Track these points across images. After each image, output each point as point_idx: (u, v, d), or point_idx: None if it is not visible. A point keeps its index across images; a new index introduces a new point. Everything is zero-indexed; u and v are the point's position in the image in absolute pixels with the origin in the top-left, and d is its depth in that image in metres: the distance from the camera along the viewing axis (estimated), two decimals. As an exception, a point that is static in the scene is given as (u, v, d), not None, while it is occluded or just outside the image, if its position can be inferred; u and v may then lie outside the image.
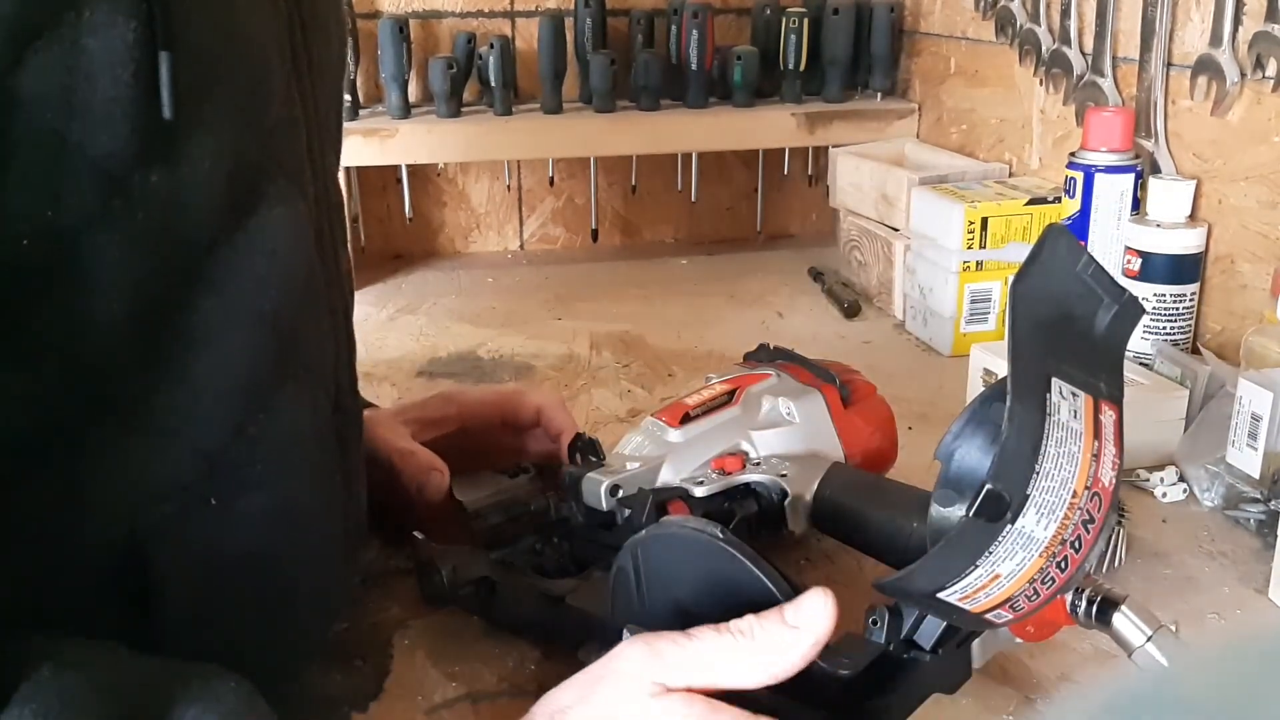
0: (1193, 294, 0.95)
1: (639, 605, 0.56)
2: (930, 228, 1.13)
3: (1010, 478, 0.45)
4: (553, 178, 1.49)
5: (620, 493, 0.66)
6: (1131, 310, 0.50)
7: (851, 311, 1.24)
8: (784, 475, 0.67)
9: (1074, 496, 0.46)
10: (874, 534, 0.62)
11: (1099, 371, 0.49)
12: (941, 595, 0.47)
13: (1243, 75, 0.90)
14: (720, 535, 0.53)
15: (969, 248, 1.09)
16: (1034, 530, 0.45)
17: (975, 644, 0.54)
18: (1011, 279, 0.48)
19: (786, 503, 0.66)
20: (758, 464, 0.69)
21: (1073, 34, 1.11)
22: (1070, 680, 0.61)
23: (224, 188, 0.44)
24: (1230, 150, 0.93)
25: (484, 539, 0.69)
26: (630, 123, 1.38)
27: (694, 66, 1.38)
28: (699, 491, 0.66)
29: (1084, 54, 1.10)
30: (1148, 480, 0.82)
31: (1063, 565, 0.47)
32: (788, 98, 1.43)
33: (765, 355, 0.78)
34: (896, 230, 1.23)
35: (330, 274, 0.54)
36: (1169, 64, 0.98)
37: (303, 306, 0.50)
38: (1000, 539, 0.45)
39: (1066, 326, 0.49)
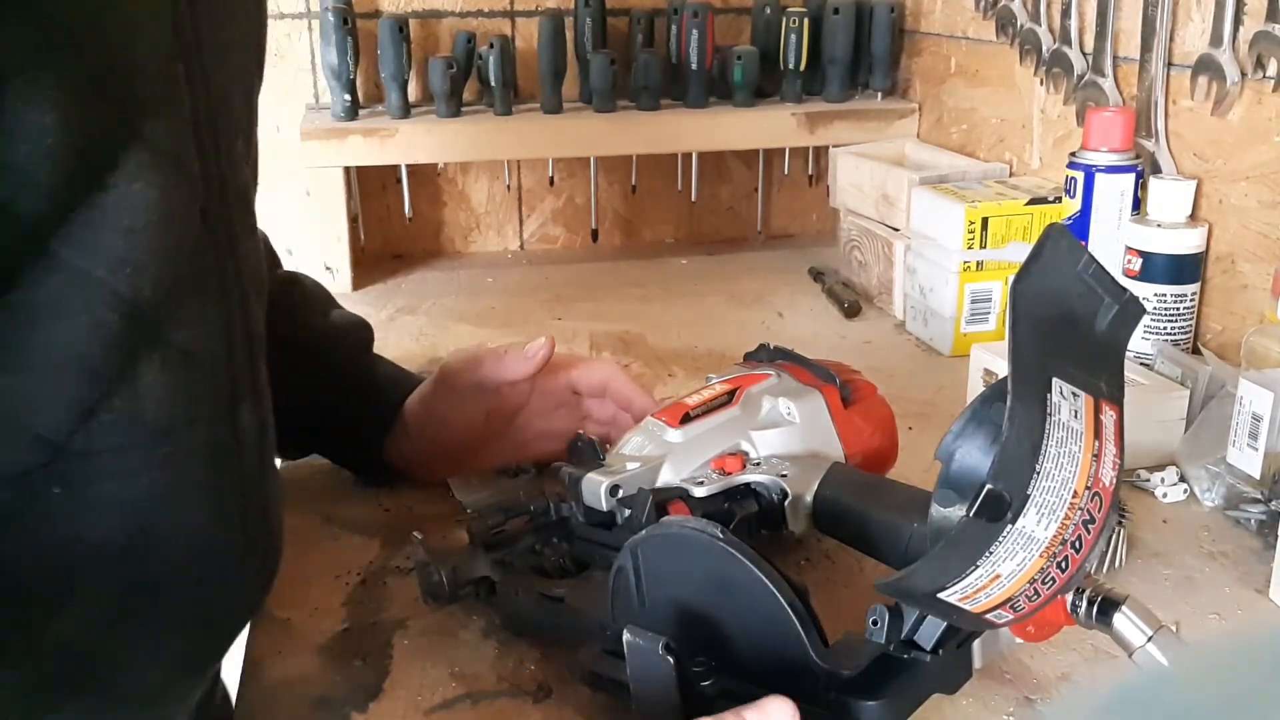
0: (1193, 294, 0.94)
1: (639, 606, 0.55)
2: (931, 228, 1.13)
3: (1011, 478, 0.45)
4: (553, 177, 1.49)
5: (620, 493, 0.66)
6: (1132, 310, 0.50)
7: (852, 311, 1.24)
8: (784, 475, 0.67)
9: (1074, 497, 0.46)
10: (874, 534, 0.62)
11: (1100, 371, 0.49)
12: (942, 595, 0.47)
13: (1243, 75, 0.90)
14: (720, 535, 0.53)
15: (969, 247, 1.09)
16: (1034, 530, 0.45)
17: (975, 644, 0.54)
18: (1012, 279, 0.48)
19: (787, 503, 0.66)
20: (758, 464, 0.69)
21: (1073, 34, 1.11)
22: (1070, 680, 0.60)
23: (70, 163, 0.42)
24: (1230, 150, 0.93)
25: (484, 539, 0.68)
26: (630, 123, 1.38)
27: (694, 66, 1.38)
28: (699, 491, 0.66)
29: (1084, 54, 1.10)
30: (1148, 480, 0.82)
31: (1063, 565, 0.46)
32: (788, 97, 1.43)
33: (765, 355, 0.78)
34: (897, 230, 1.23)
35: (222, 257, 0.51)
36: (1170, 64, 0.98)
37: (175, 288, 0.47)
38: (1001, 539, 0.45)
39: (1067, 327, 0.49)
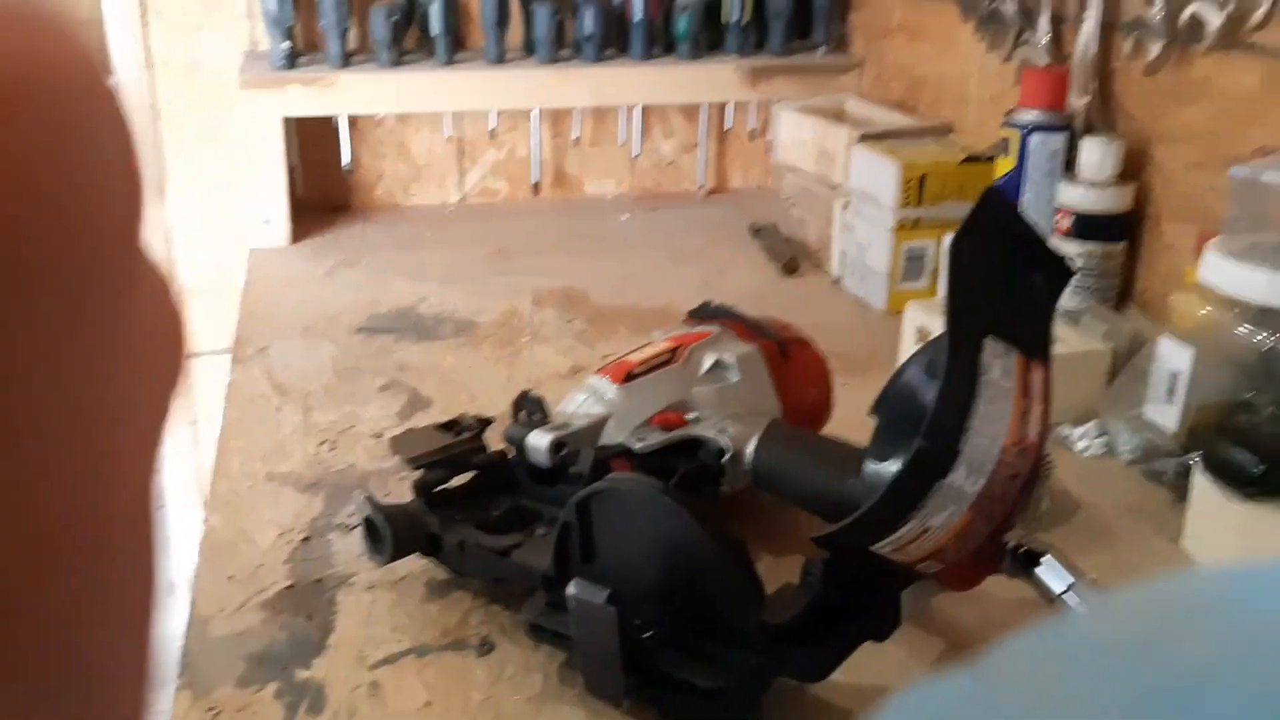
0: (1121, 252, 0.97)
1: (582, 560, 0.57)
2: (868, 184, 1.15)
3: (942, 434, 0.46)
4: (494, 129, 1.48)
5: (564, 449, 0.67)
6: (1062, 272, 0.52)
7: (790, 268, 1.25)
8: (724, 431, 0.69)
9: (1003, 453, 0.47)
10: (810, 490, 0.64)
11: (1030, 331, 0.50)
12: (874, 548, 0.49)
13: (1174, 38, 0.92)
14: (662, 490, 0.54)
15: (905, 205, 1.10)
16: (964, 485, 0.47)
17: (904, 594, 0.56)
18: (949, 238, 0.49)
19: (726, 459, 0.68)
20: (699, 420, 0.70)
21: (1011, -7, 1.12)
22: (993, 627, 0.63)
23: None
24: (1160, 111, 0.96)
25: (428, 495, 0.69)
26: (574, 74, 1.37)
27: (638, 18, 1.38)
28: (640, 447, 0.67)
29: (1023, 12, 1.11)
30: (1069, 434, 0.85)
31: (991, 518, 0.48)
32: (731, 50, 1.43)
33: (707, 312, 0.79)
34: (836, 187, 1.25)
35: None
36: (1105, 23, 1.00)
37: None
38: (932, 493, 0.47)
39: (1000, 287, 0.50)
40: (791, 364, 0.75)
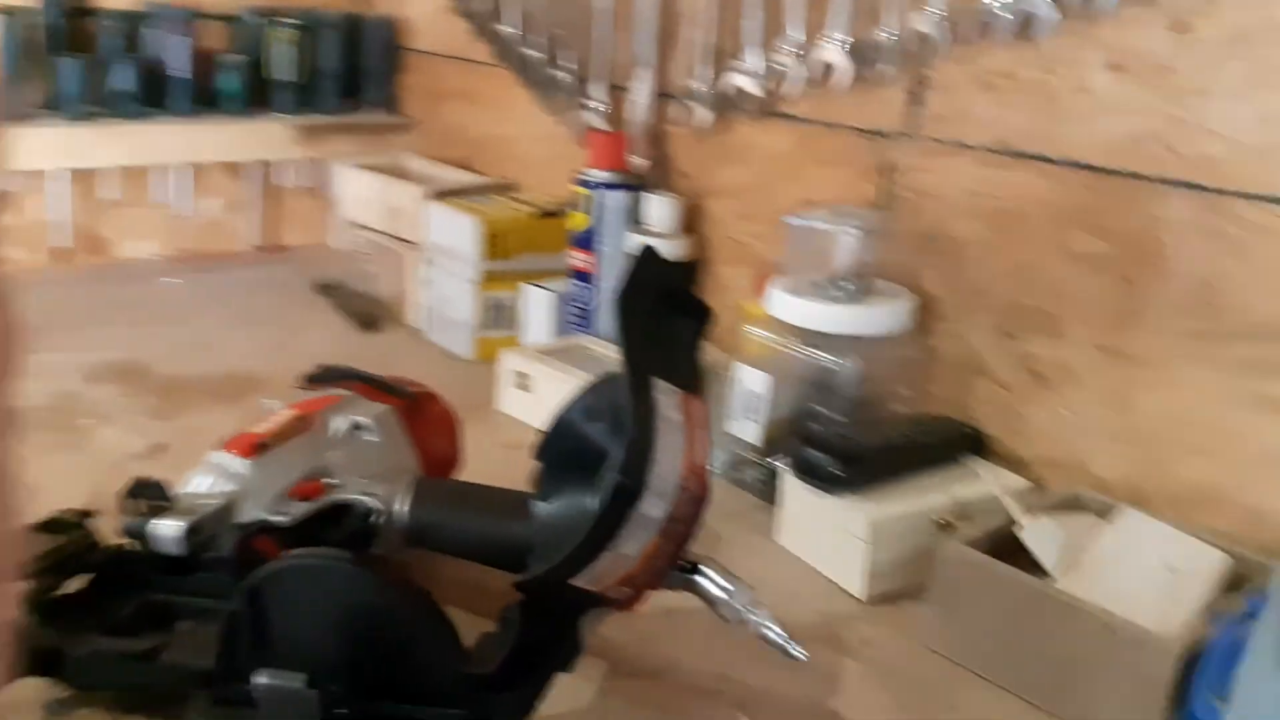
0: (687, 295, 1.08)
1: (262, 647, 0.53)
2: (446, 239, 1.17)
3: (636, 469, 0.50)
4: (10, 192, 1.32)
5: (199, 535, 0.62)
6: (704, 316, 0.57)
7: (369, 324, 1.24)
8: (370, 493, 0.67)
9: (681, 478, 0.52)
10: (474, 539, 0.65)
11: (684, 370, 0.55)
12: (575, 581, 0.51)
13: (720, 107, 1.04)
14: (347, 558, 0.52)
15: (486, 258, 1.14)
16: (652, 512, 0.51)
17: (582, 622, 0.59)
18: (616, 291, 0.53)
19: (378, 521, 0.66)
20: (340, 485, 0.68)
21: (568, 62, 1.20)
22: (649, 640, 0.68)
23: None
24: (710, 170, 1.08)
25: (41, 605, 0.61)
26: (108, 132, 1.26)
27: (178, 74, 1.30)
28: (283, 521, 0.64)
29: (579, 80, 1.20)
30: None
31: (675, 539, 0.53)
32: (280, 109, 1.40)
33: (330, 376, 0.77)
34: (410, 243, 1.26)
35: None
36: (658, 92, 1.11)
37: None
38: (626, 524, 0.50)
39: (658, 332, 0.55)
40: (424, 419, 0.75)
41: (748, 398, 0.88)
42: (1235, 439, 0.72)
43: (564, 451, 0.60)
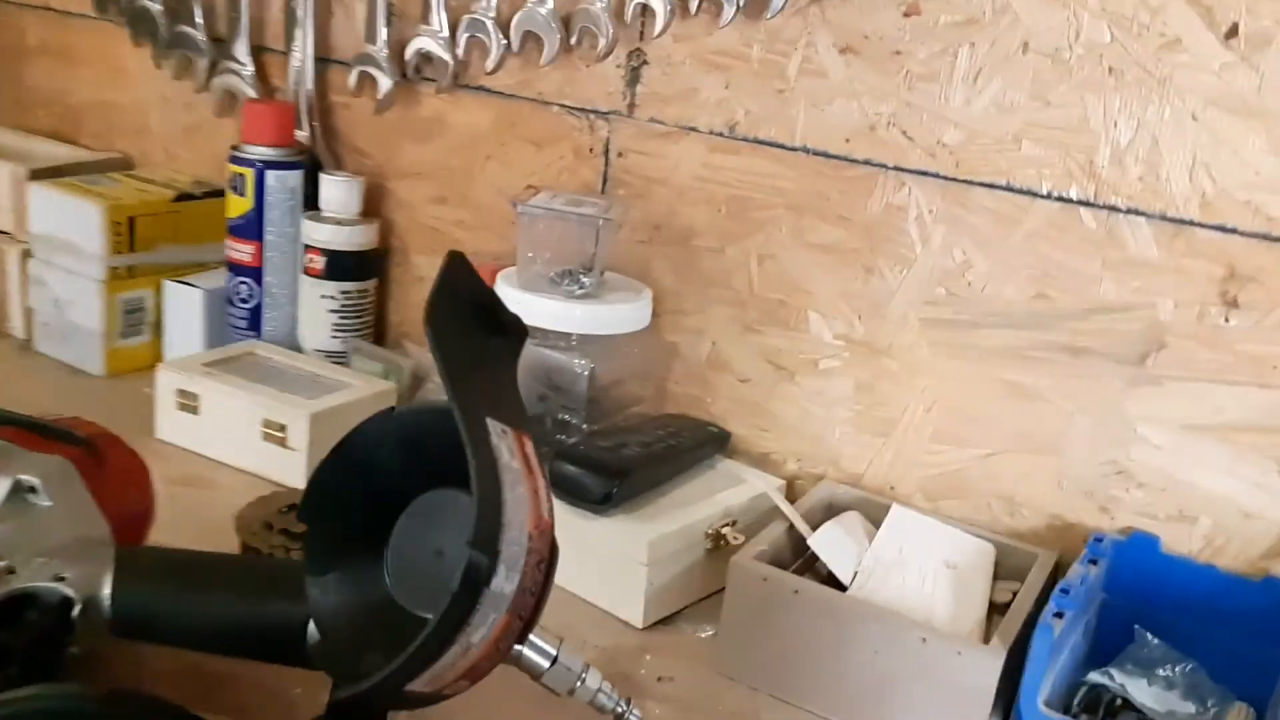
0: (374, 288, 0.96)
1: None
2: (61, 230, 0.96)
3: (487, 540, 0.40)
4: None
5: None
6: (519, 333, 0.48)
7: (-46, 336, 1.00)
8: (58, 577, 0.51)
9: (529, 540, 0.43)
10: (213, 627, 0.51)
11: (511, 402, 0.46)
12: (411, 687, 0.41)
13: (403, 76, 0.93)
14: (94, 697, 0.38)
15: (116, 252, 0.95)
16: (503, 587, 0.41)
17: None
18: (425, 317, 0.43)
19: (74, 614, 0.51)
20: (11, 570, 0.52)
21: (199, 17, 1.02)
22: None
23: None
24: (394, 148, 0.96)
25: None
26: None
27: None
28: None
29: (213, 41, 1.02)
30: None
31: (523, 614, 0.44)
32: None
33: (-37, 420, 0.58)
34: (7, 234, 1.02)
35: None
36: (321, 58, 0.97)
37: None
38: (477, 608, 0.40)
39: (475, 359, 0.45)
40: (107, 469, 0.59)
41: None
42: (983, 427, 0.74)
43: (339, 508, 0.48)
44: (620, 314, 0.79)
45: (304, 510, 0.49)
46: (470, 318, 0.46)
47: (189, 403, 0.85)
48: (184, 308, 0.97)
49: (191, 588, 0.52)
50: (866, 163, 0.76)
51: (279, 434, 0.81)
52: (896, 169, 0.75)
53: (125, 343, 0.97)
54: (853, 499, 0.75)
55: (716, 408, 0.84)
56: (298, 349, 0.94)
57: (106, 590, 0.51)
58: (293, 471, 0.80)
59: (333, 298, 0.93)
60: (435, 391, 0.87)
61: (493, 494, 0.41)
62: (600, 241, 0.78)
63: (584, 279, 0.79)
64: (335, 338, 0.93)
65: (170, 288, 0.97)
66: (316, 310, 0.93)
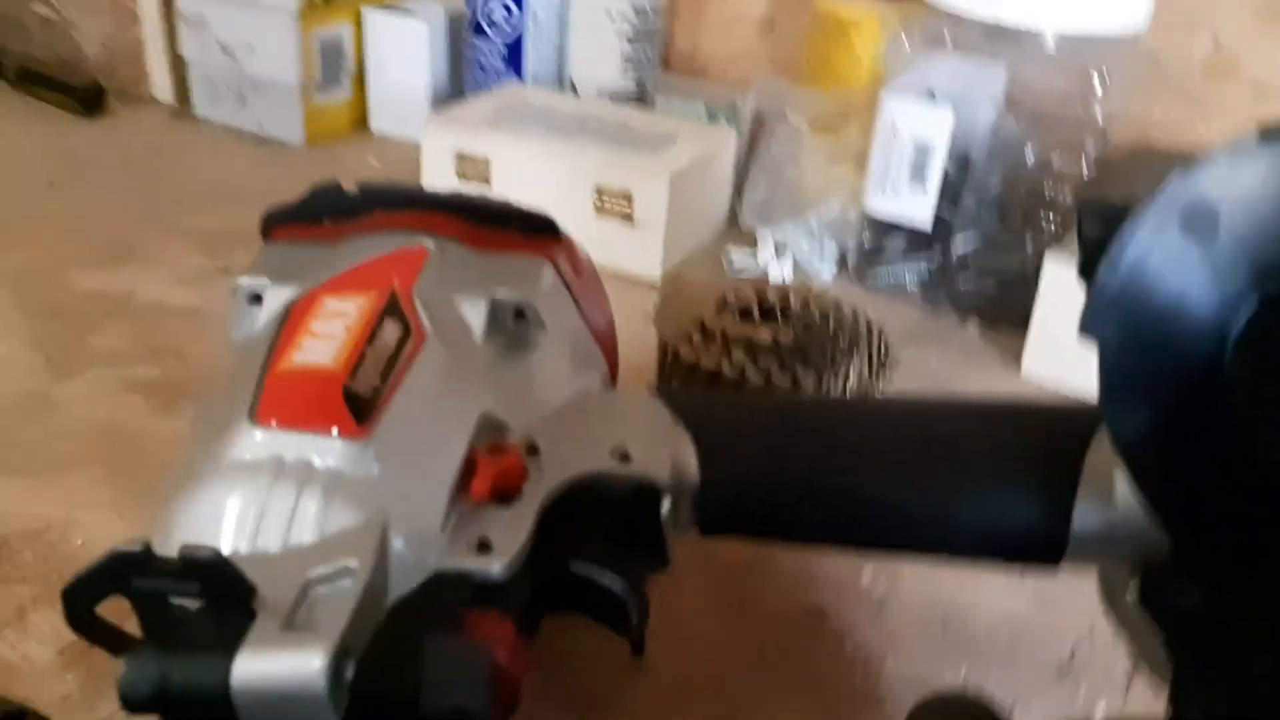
0: (665, 7, 0.72)
1: None
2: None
3: None
4: None
5: (350, 669, 0.24)
6: None
7: (92, 103, 0.75)
8: (651, 455, 0.31)
9: None
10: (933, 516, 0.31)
11: None
12: None
13: None
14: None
15: (306, -28, 0.70)
16: None
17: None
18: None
19: (665, 509, 0.30)
20: (536, 451, 0.31)
21: None
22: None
23: None
24: None
25: None
26: None
27: None
28: (500, 571, 0.27)
29: None
30: None
31: None
32: None
33: (349, 205, 0.36)
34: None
35: None
36: None
37: None
38: None
39: None
40: (578, 269, 0.38)
41: (909, 153, 0.58)
42: None
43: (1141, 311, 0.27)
44: None
45: (1085, 325, 0.27)
46: None
47: (476, 170, 0.62)
48: (400, 46, 0.72)
49: (910, 447, 0.31)
50: None
51: (621, 205, 0.59)
52: None
53: (322, 99, 0.74)
54: None
55: None
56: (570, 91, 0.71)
57: (693, 473, 0.31)
58: (641, 254, 0.59)
59: (624, 18, 0.69)
60: (787, 140, 0.64)
61: None
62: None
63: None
64: (625, 75, 0.70)
65: (377, 19, 0.72)
66: (599, 36, 0.70)
